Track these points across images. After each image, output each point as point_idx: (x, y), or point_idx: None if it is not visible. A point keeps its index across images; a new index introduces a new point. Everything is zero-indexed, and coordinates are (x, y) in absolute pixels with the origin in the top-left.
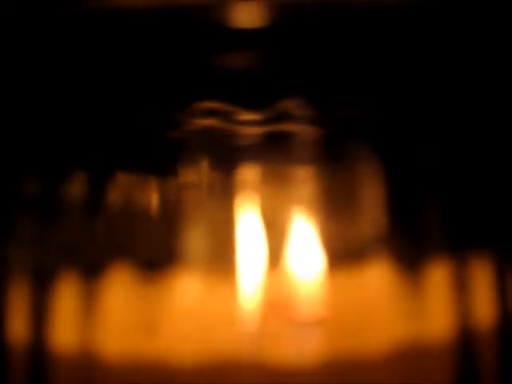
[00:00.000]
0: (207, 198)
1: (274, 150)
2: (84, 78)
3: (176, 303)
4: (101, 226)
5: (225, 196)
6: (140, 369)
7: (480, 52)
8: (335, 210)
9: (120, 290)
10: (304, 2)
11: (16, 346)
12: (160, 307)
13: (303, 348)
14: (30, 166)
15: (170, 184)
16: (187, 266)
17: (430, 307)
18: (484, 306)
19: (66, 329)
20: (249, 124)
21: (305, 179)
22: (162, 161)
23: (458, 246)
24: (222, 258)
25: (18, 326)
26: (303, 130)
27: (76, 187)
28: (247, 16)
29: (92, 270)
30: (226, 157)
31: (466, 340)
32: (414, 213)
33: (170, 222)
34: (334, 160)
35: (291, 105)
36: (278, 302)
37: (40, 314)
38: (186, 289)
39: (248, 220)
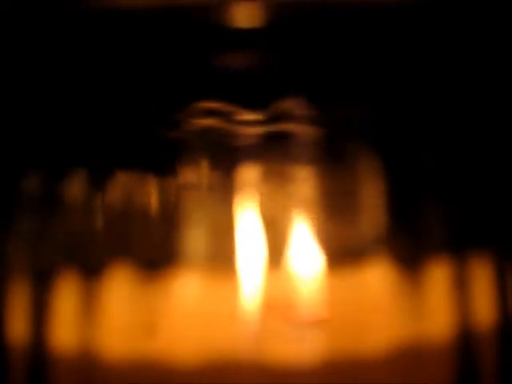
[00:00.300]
0: (207, 198)
1: (274, 150)
2: (84, 78)
3: (176, 303)
4: (100, 226)
5: (225, 196)
6: (140, 369)
7: (480, 52)
8: (335, 210)
9: (120, 289)
10: (303, 1)
11: (16, 346)
12: (160, 307)
13: (303, 348)
14: (29, 165)
15: (170, 184)
16: (187, 266)
17: (430, 307)
18: (484, 306)
19: (65, 329)
20: (249, 124)
21: (304, 179)
22: (162, 161)
23: (458, 245)
24: (221, 257)
25: (18, 326)
26: (303, 130)
27: (76, 186)
28: (246, 16)
29: (92, 270)
30: (226, 157)
31: (465, 340)
32: (414, 213)
33: (169, 221)
34: (334, 160)
35: (291, 105)
36: (277, 301)
37: (40, 314)
38: (186, 288)
39: (248, 220)
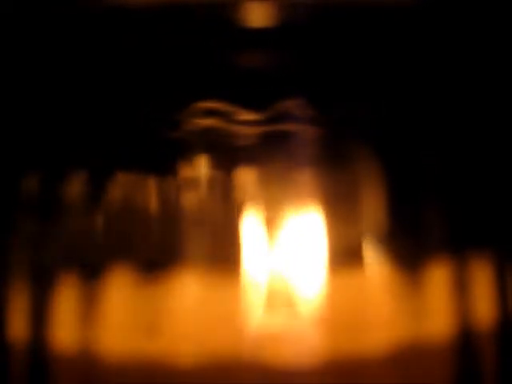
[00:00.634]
0: (207, 198)
1: (274, 150)
2: (84, 78)
3: (176, 303)
4: (101, 226)
5: (225, 196)
6: (140, 369)
7: (480, 52)
8: (335, 210)
9: (120, 289)
10: (303, 2)
11: (16, 346)
12: (160, 307)
13: (303, 348)
14: (29, 166)
15: (170, 184)
16: (187, 266)
17: (430, 307)
18: (484, 306)
19: (66, 329)
20: (249, 124)
21: (305, 179)
22: (162, 160)
23: (458, 245)
24: (221, 258)
25: (19, 326)
26: (303, 130)
27: (76, 186)
28: (250, 16)
29: (92, 270)
30: (226, 157)
31: (466, 339)
32: (414, 213)
33: (169, 221)
34: (334, 160)
35: (291, 105)
36: (278, 301)
37: (40, 314)
38: (186, 289)
39: (248, 220)
